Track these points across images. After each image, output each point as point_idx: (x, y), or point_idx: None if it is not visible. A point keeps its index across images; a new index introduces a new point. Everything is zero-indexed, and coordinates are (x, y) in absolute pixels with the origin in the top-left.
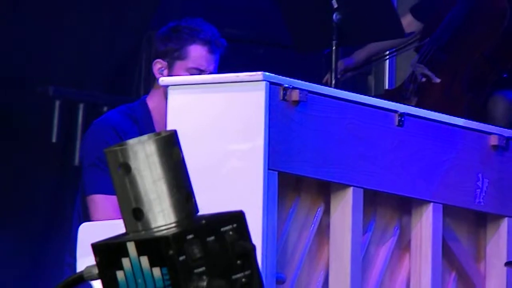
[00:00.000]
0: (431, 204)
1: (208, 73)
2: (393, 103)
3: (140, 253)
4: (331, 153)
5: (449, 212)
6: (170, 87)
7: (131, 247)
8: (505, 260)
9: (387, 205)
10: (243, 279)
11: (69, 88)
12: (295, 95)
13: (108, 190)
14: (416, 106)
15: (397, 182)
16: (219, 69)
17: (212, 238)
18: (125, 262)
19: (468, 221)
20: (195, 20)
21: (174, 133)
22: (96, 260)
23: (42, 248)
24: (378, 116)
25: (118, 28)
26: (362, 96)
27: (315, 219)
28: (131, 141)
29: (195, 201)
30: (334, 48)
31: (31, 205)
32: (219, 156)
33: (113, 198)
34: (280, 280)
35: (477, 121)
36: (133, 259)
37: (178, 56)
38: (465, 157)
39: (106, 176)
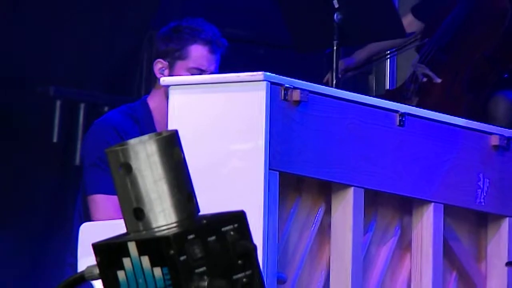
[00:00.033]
0: (432, 204)
1: (209, 73)
2: (394, 103)
3: (141, 253)
4: (332, 153)
5: (450, 212)
6: (171, 87)
7: (132, 247)
8: (506, 260)
9: (388, 205)
10: (244, 279)
11: (70, 88)
12: (296, 95)
13: (109, 190)
14: (417, 106)
15: (398, 182)
16: (220, 69)
17: (213, 238)
18: (126, 262)
19: (469, 221)
20: (196, 20)
21: (175, 133)
22: (97, 260)
23: (42, 248)
24: (379, 116)
25: (118, 28)
26: (363, 96)
27: (316, 219)
28: (132, 141)
29: (196, 201)
30: (335, 48)
31: (32, 205)
32: (220, 156)
33: (114, 198)
34: (281, 280)
35: (477, 121)
36: (134, 259)
37: (179, 56)
38: (466, 157)
39: (107, 176)
